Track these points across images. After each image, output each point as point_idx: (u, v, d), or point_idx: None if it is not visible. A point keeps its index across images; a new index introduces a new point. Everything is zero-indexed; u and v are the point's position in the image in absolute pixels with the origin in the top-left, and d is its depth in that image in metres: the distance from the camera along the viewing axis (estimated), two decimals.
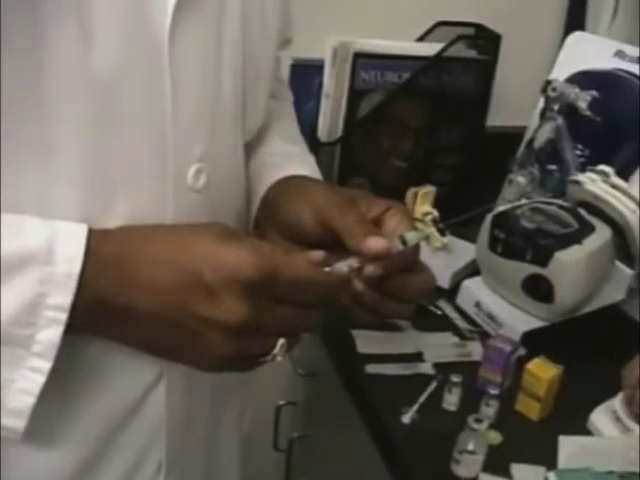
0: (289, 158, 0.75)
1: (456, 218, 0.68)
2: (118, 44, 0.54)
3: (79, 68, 0.52)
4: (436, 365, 0.94)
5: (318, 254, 0.58)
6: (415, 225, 0.63)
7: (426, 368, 0.94)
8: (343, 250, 0.61)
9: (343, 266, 0.59)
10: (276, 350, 0.56)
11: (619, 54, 1.17)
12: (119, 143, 0.56)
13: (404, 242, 0.60)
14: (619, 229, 1.00)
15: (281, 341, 0.56)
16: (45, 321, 0.51)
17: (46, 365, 0.52)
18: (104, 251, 0.53)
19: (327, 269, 0.58)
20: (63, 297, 0.51)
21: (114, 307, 0.53)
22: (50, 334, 0.51)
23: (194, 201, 0.61)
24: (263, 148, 0.77)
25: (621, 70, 1.16)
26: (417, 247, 0.63)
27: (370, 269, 0.60)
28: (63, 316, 0.51)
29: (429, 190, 1.13)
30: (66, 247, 0.51)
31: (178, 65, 0.57)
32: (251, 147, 0.75)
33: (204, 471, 0.76)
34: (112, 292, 0.53)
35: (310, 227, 0.64)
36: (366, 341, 0.96)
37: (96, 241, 0.53)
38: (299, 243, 0.65)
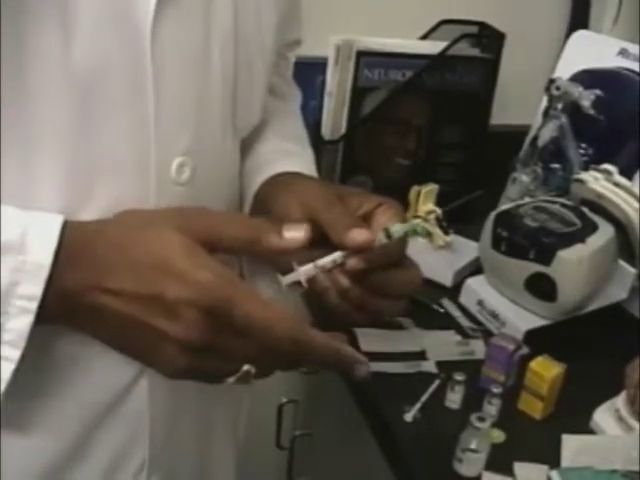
0: (284, 155, 0.75)
1: (453, 203, 0.66)
2: (99, 35, 0.53)
3: (60, 58, 0.52)
4: (439, 363, 0.94)
5: (298, 236, 0.56)
6: (407, 221, 0.62)
7: (429, 366, 0.94)
8: (332, 247, 0.60)
9: (327, 261, 0.59)
10: (239, 375, 0.55)
11: (623, 53, 1.17)
12: (100, 134, 0.56)
13: (389, 235, 0.59)
14: (622, 228, 1.00)
15: (245, 367, 0.55)
16: (16, 310, 0.51)
17: (16, 353, 0.52)
18: (76, 248, 0.53)
19: (311, 265, 0.58)
20: (34, 286, 0.51)
21: (78, 304, 0.53)
22: (20, 323, 0.51)
23: (178, 194, 0.61)
24: (259, 146, 0.76)
25: (625, 69, 1.16)
26: (403, 241, 0.61)
27: (353, 262, 0.59)
28: (33, 305, 0.51)
29: (432, 188, 1.13)
30: (40, 237, 0.51)
31: (161, 57, 0.56)
32: (247, 144, 0.74)
33: (194, 472, 0.75)
34: (77, 289, 0.53)
35: None
36: (368, 339, 0.96)
37: (71, 237, 0.53)
38: None
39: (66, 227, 0.52)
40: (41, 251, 0.51)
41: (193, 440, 0.73)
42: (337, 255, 0.59)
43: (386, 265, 0.61)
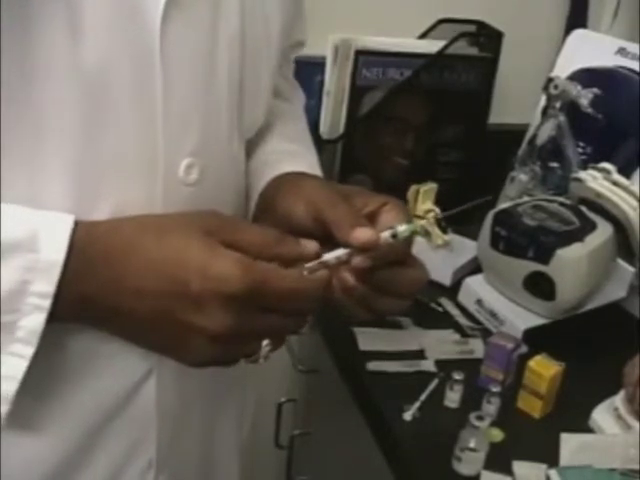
0: (289, 156, 0.75)
1: (454, 210, 0.66)
2: (107, 35, 0.54)
3: (67, 58, 0.52)
4: (438, 362, 0.94)
5: (311, 246, 0.59)
6: (411, 221, 0.62)
7: (428, 365, 0.94)
8: (337, 246, 0.60)
9: (331, 257, 0.59)
10: (260, 352, 0.57)
11: (621, 52, 1.17)
12: (108, 134, 0.56)
13: (394, 235, 0.59)
14: (621, 226, 1.00)
15: (265, 342, 0.57)
16: (29, 308, 0.52)
17: (29, 351, 0.52)
18: (91, 250, 0.53)
19: (311, 264, 0.58)
20: (46, 285, 0.52)
21: (100, 307, 0.54)
22: (33, 321, 0.52)
23: (186, 195, 0.61)
24: (264, 146, 0.76)
25: (623, 68, 1.16)
26: (409, 241, 0.62)
27: (357, 260, 0.59)
28: (46, 303, 0.52)
29: (431, 187, 1.13)
30: (51, 236, 0.52)
31: (169, 57, 0.56)
32: (252, 145, 0.75)
33: (200, 470, 0.76)
34: (98, 293, 0.53)
35: (303, 222, 0.63)
36: (367, 338, 0.96)
37: (83, 237, 0.53)
38: None
39: (77, 226, 0.53)
40: (53, 249, 0.52)
41: (199, 439, 0.74)
42: (341, 252, 0.59)
43: (391, 264, 0.61)
